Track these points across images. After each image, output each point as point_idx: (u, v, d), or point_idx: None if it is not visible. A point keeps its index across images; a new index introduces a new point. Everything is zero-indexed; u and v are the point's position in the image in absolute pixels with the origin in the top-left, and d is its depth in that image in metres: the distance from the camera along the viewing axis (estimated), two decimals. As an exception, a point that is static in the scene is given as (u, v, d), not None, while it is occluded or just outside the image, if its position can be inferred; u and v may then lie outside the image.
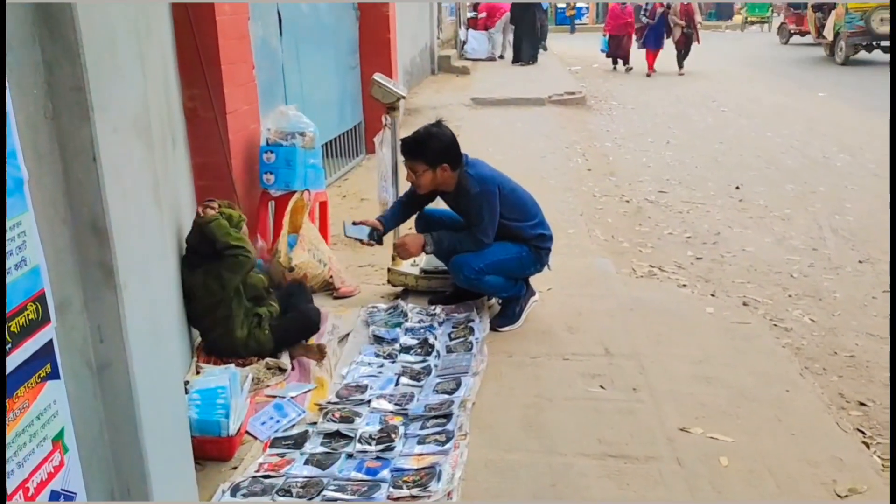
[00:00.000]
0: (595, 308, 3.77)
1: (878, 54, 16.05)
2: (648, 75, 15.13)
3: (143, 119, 1.72)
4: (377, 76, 4.01)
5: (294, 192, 4.04)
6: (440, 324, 3.56)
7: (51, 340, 1.40)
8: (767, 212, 5.93)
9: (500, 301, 3.68)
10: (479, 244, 3.46)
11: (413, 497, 2.30)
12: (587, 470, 2.47)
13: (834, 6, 16.21)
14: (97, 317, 1.56)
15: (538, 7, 16.76)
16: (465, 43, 17.39)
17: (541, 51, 17.21)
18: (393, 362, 3.25)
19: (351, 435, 2.65)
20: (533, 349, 3.35)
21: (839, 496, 2.35)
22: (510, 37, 17.86)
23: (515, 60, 16.33)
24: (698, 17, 15.43)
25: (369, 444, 2.59)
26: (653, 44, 15.24)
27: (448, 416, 2.73)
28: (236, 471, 2.50)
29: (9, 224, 1.27)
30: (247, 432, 2.71)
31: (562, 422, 2.77)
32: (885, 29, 14.76)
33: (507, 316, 3.59)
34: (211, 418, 2.54)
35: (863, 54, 15.96)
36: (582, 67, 16.67)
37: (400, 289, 4.03)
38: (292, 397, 2.93)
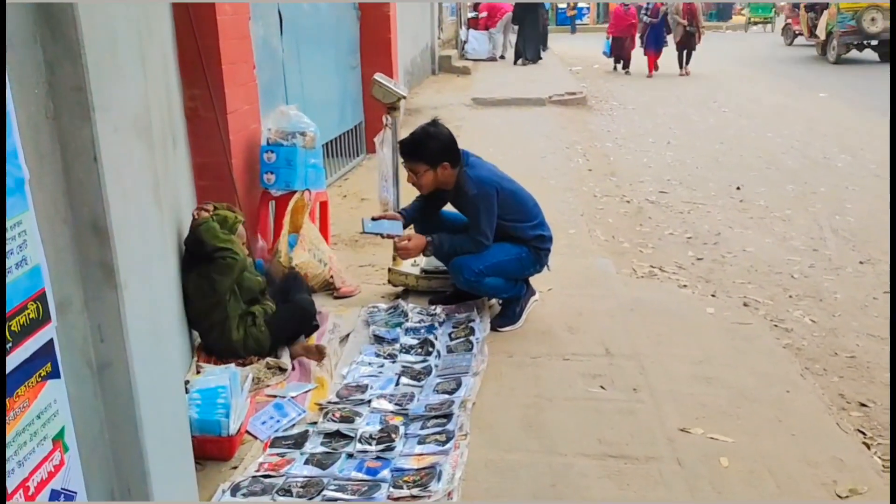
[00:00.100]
0: (595, 308, 3.77)
1: (868, 53, 16.29)
2: (649, 76, 15.09)
3: (144, 119, 1.72)
4: (378, 76, 4.01)
5: (295, 191, 4.04)
6: (440, 324, 3.56)
7: (51, 340, 1.40)
8: (768, 212, 5.93)
9: (501, 301, 3.68)
10: (478, 246, 3.46)
11: (413, 497, 2.30)
12: (587, 470, 2.47)
13: (826, 6, 16.49)
14: (97, 316, 1.56)
15: (541, 7, 16.78)
16: (465, 43, 17.39)
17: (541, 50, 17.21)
18: (393, 362, 3.25)
19: (351, 435, 2.65)
20: (533, 349, 3.35)
21: (839, 497, 2.35)
22: (511, 37, 17.87)
23: (518, 59, 16.35)
24: (701, 18, 15.31)
25: (369, 443, 2.59)
26: (653, 45, 15.18)
27: (448, 416, 2.73)
28: (236, 470, 2.50)
29: (10, 223, 1.28)
30: (247, 432, 2.71)
31: (562, 422, 2.77)
32: (876, 28, 15.15)
33: (507, 316, 3.59)
34: (211, 418, 2.54)
35: (854, 53, 16.28)
36: (583, 68, 16.67)
37: (400, 289, 4.03)
38: (292, 397, 2.93)
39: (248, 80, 4.15)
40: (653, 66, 15.30)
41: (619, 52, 15.86)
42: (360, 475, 2.43)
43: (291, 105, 4.42)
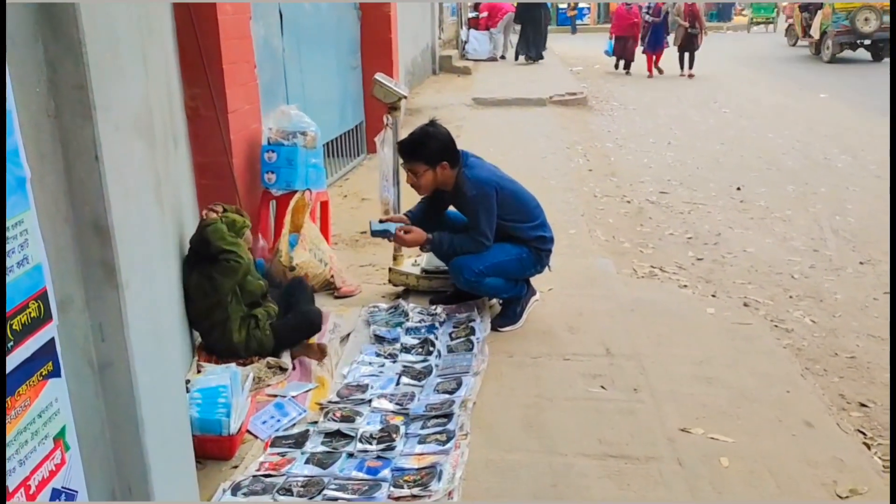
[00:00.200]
0: (596, 308, 3.77)
1: (861, 53, 16.55)
2: (649, 76, 15.05)
3: (145, 118, 1.72)
4: (379, 76, 4.01)
5: (295, 191, 4.04)
6: (441, 323, 3.56)
7: (52, 339, 1.40)
8: (768, 213, 5.93)
9: (501, 301, 3.68)
10: (478, 246, 3.46)
11: (414, 496, 2.30)
12: (588, 470, 2.48)
13: (820, 6, 16.79)
14: (99, 315, 1.56)
15: (544, 6, 16.79)
16: (466, 43, 17.38)
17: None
18: (394, 362, 3.25)
19: (352, 434, 2.66)
20: (534, 349, 3.35)
21: (840, 497, 2.35)
22: (512, 37, 17.88)
23: (519, 56, 16.36)
24: (703, 19, 15.22)
25: (370, 443, 2.60)
26: (652, 45, 15.13)
27: (449, 416, 2.73)
28: (237, 470, 2.50)
29: (11, 222, 1.28)
30: (248, 431, 2.71)
31: (562, 422, 2.77)
32: (869, 28, 15.54)
33: (507, 316, 3.59)
34: (212, 417, 2.54)
35: (847, 53, 16.57)
36: (583, 68, 16.67)
37: (401, 288, 4.04)
38: (293, 396, 2.93)
39: (249, 79, 4.16)
40: (651, 66, 15.25)
41: (621, 52, 15.79)
42: (361, 475, 2.43)
43: (292, 105, 4.42)
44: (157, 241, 1.78)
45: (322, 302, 3.78)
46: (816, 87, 12.82)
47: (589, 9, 32.95)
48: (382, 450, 2.56)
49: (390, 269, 4.08)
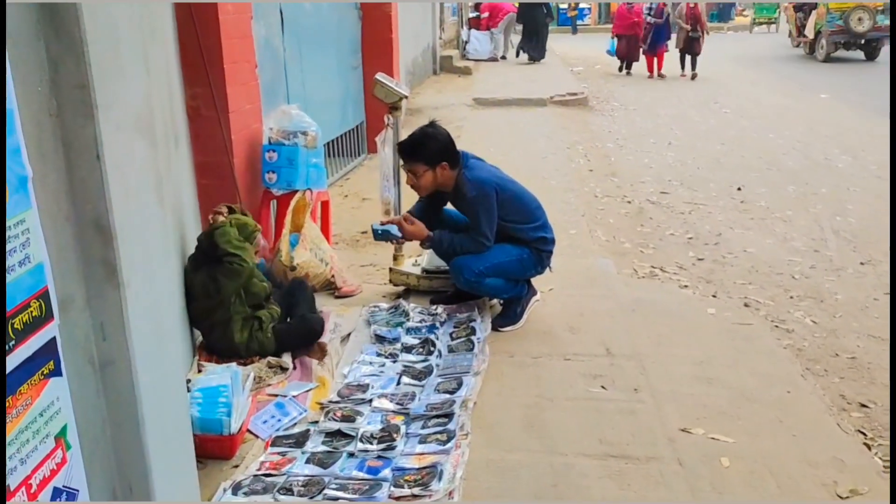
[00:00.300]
0: (596, 308, 3.78)
1: (855, 52, 16.90)
2: (661, 76, 14.89)
3: (147, 117, 1.72)
4: (380, 76, 4.01)
5: (296, 191, 4.04)
6: (442, 323, 3.56)
7: (54, 338, 1.40)
8: (769, 213, 5.94)
9: (502, 301, 3.68)
10: (478, 246, 3.46)
11: (414, 496, 2.30)
12: (588, 470, 2.48)
13: (814, 6, 17.11)
14: (100, 314, 1.56)
15: (547, 6, 16.80)
16: (467, 43, 17.38)
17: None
18: (394, 362, 3.25)
19: (352, 434, 2.66)
20: (534, 349, 3.35)
21: (840, 497, 2.35)
22: (513, 37, 17.87)
23: (519, 53, 16.36)
24: (705, 21, 15.08)
25: (371, 443, 2.60)
26: (653, 47, 15.02)
27: (449, 416, 2.73)
28: (238, 469, 2.51)
29: (13, 221, 1.28)
30: (248, 431, 2.71)
31: (563, 422, 2.77)
32: (863, 28, 15.91)
33: (508, 316, 3.59)
34: (213, 417, 2.54)
35: (841, 52, 16.87)
36: (584, 68, 16.66)
37: (401, 288, 4.04)
38: (294, 396, 2.93)
39: (250, 79, 4.16)
40: (651, 67, 15.17)
41: (625, 52, 15.62)
42: (361, 474, 2.43)
43: (293, 104, 4.42)
44: (158, 241, 1.78)
45: (323, 301, 3.79)
46: (817, 88, 12.82)
47: (590, 9, 32.92)
48: (383, 449, 2.56)
49: (391, 269, 4.08)
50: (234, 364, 2.97)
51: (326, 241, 4.20)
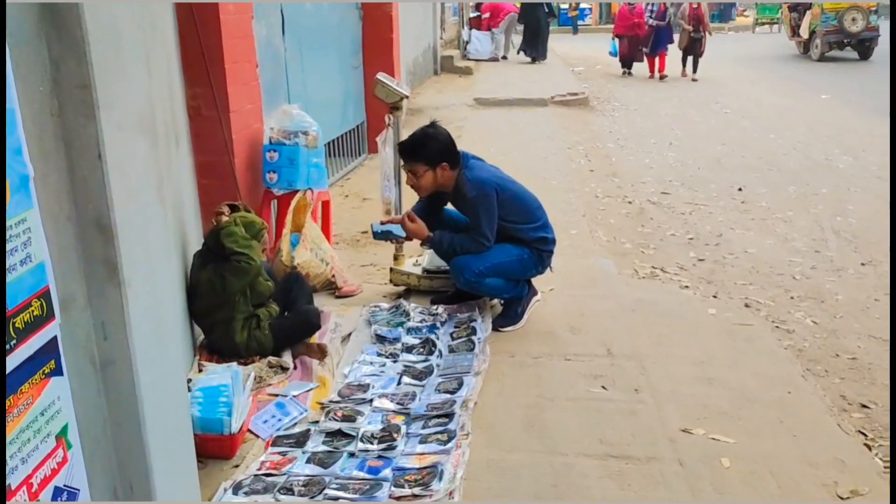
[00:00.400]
0: (597, 309, 3.78)
1: (848, 52, 17.23)
2: (662, 77, 14.74)
3: (148, 117, 1.72)
4: (381, 76, 4.02)
5: (297, 191, 4.05)
6: (442, 323, 3.57)
7: (55, 337, 1.40)
8: (770, 213, 5.93)
9: (503, 301, 3.69)
10: (479, 246, 3.46)
11: (415, 496, 2.30)
12: (588, 470, 2.48)
13: (809, 7, 17.43)
14: (101, 314, 1.56)
15: (548, 6, 16.79)
16: (468, 43, 17.38)
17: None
18: (395, 362, 3.25)
19: (353, 434, 2.66)
20: (535, 349, 3.36)
21: (840, 498, 2.35)
22: (514, 37, 17.86)
23: (520, 51, 16.37)
24: (708, 22, 14.93)
25: (371, 443, 2.60)
26: (654, 49, 14.90)
27: (450, 416, 2.73)
28: (238, 469, 2.51)
29: (14, 220, 1.28)
30: (249, 430, 2.71)
31: (563, 422, 2.77)
32: (857, 28, 16.28)
33: (509, 316, 3.60)
34: (213, 416, 2.55)
35: (835, 52, 17.22)
36: (585, 68, 16.65)
37: (402, 288, 4.04)
38: (294, 396, 2.93)
39: (251, 79, 4.16)
40: (652, 68, 15.08)
41: (626, 53, 15.48)
42: (362, 474, 2.43)
43: (294, 104, 4.43)
44: (159, 240, 1.78)
45: (323, 301, 3.79)
46: (818, 88, 12.81)
47: (591, 9, 32.90)
48: (383, 449, 2.56)
49: (391, 269, 4.08)
50: (234, 364, 2.97)
51: (327, 241, 4.20)
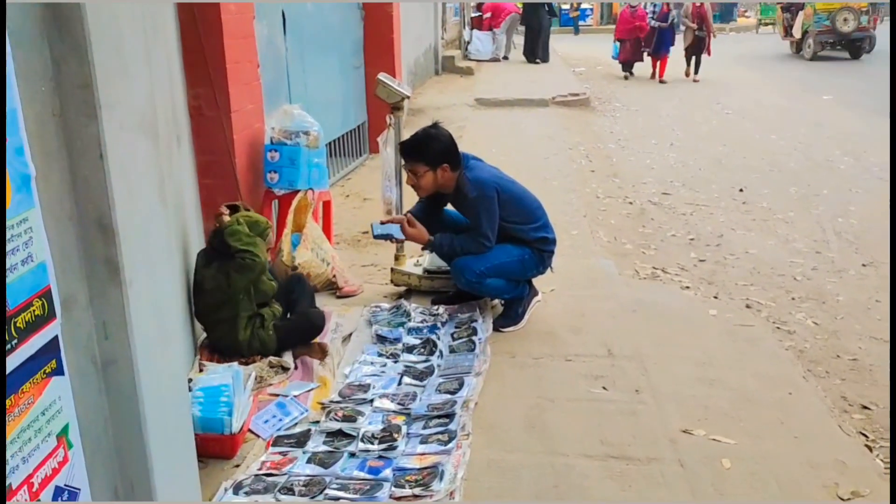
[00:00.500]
0: (598, 309, 3.77)
1: (839, 51, 17.73)
2: (662, 81, 14.62)
3: (149, 117, 1.72)
4: (382, 76, 4.02)
5: (298, 191, 4.05)
6: (443, 324, 3.56)
7: (56, 336, 1.40)
8: (771, 214, 5.93)
9: (503, 301, 3.68)
10: (479, 247, 3.46)
11: (415, 496, 2.30)
12: (589, 471, 2.48)
13: (802, 7, 17.86)
14: (102, 313, 1.56)
15: (549, 6, 16.79)
16: (469, 43, 17.37)
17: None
18: (396, 362, 3.25)
19: (353, 434, 2.66)
20: (536, 350, 3.35)
21: (841, 499, 2.35)
22: (515, 38, 17.86)
23: (528, 59, 16.38)
24: (711, 21, 14.84)
25: (372, 443, 2.60)
26: (657, 50, 14.80)
27: (450, 416, 2.73)
28: (239, 469, 2.51)
29: (16, 220, 1.28)
30: (249, 430, 2.71)
31: (564, 422, 2.77)
32: (848, 28, 16.80)
33: (509, 316, 3.59)
34: (214, 416, 2.55)
35: (827, 51, 17.68)
36: (586, 69, 16.65)
37: (403, 288, 4.04)
38: (295, 396, 2.93)
39: (252, 79, 4.16)
40: (662, 70, 14.93)
41: (628, 57, 15.41)
42: (362, 474, 2.43)
43: (295, 104, 4.42)
44: (160, 240, 1.78)
45: (324, 301, 3.79)
46: (819, 89, 12.80)
47: (592, 10, 32.88)
48: (384, 449, 2.56)
49: (392, 269, 4.08)
50: (235, 364, 2.97)
51: (328, 241, 4.20)
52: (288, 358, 3.21)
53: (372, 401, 2.89)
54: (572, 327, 3.57)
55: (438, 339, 3.41)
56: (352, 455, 2.55)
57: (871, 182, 6.87)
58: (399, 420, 2.76)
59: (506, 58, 17.29)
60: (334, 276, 4.00)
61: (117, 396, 1.62)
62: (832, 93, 12.26)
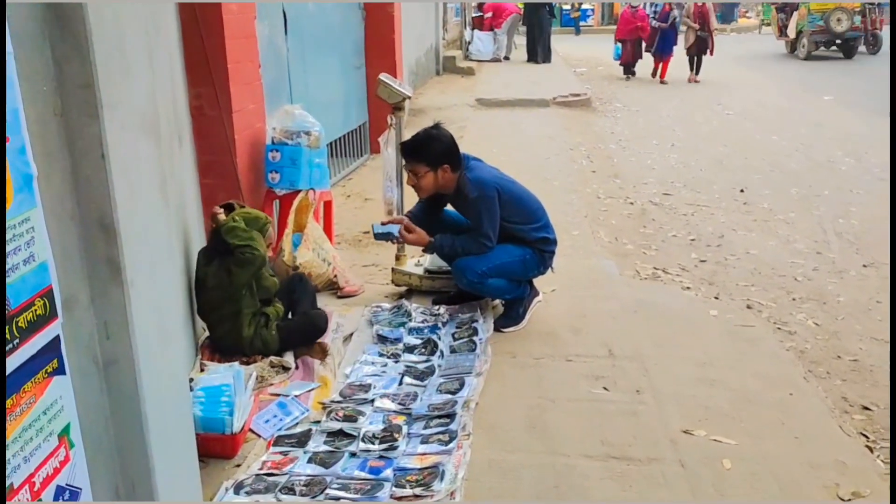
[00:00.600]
0: (599, 309, 3.78)
1: (834, 51, 18.00)
2: (663, 82, 14.55)
3: (151, 117, 1.73)
4: (383, 76, 4.02)
5: (299, 191, 4.05)
6: (444, 324, 3.57)
7: (58, 336, 1.41)
8: (772, 215, 5.93)
9: (504, 302, 3.68)
10: (480, 247, 3.46)
11: (416, 496, 2.31)
12: (590, 471, 2.48)
13: (796, 7, 18.18)
14: (104, 313, 1.57)
15: (550, 6, 16.79)
16: (470, 43, 17.38)
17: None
18: (396, 362, 3.25)
19: (354, 434, 2.66)
20: (536, 350, 3.36)
21: (842, 500, 2.35)
22: (516, 38, 17.86)
23: (530, 59, 16.40)
24: (714, 22, 14.73)
25: (372, 443, 2.60)
26: (661, 51, 14.73)
27: (451, 416, 2.73)
28: (240, 468, 2.51)
29: (18, 220, 1.28)
30: (250, 430, 2.71)
31: (565, 423, 2.77)
32: (842, 28, 17.10)
33: (510, 317, 3.60)
34: (215, 416, 2.55)
35: (821, 50, 17.99)
36: (587, 69, 16.65)
37: (404, 288, 4.04)
38: (296, 396, 2.94)
39: (254, 79, 4.16)
40: (665, 71, 14.84)
41: (628, 58, 15.36)
42: (363, 474, 2.44)
43: (296, 104, 4.43)
44: (162, 240, 1.78)
45: (325, 301, 3.79)
46: (820, 90, 12.80)
47: (592, 10, 32.86)
48: (385, 449, 2.56)
49: (393, 269, 4.08)
50: (236, 363, 2.98)
51: (329, 241, 4.20)
52: (289, 358, 3.21)
53: (373, 401, 2.90)
54: (573, 328, 3.57)
55: (439, 339, 3.41)
56: (352, 455, 2.55)
57: (872, 183, 6.86)
58: (400, 420, 2.76)
59: (507, 58, 17.29)
60: (335, 276, 4.01)
61: (118, 396, 1.62)
62: (833, 93, 12.26)
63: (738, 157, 8.06)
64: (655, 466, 2.50)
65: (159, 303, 1.73)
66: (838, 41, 17.56)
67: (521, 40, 17.76)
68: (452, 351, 3.32)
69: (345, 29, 6.67)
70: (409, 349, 3.35)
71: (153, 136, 1.73)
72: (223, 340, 3.17)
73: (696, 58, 14.51)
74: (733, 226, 5.66)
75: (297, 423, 2.78)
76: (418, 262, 4.13)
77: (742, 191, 6.62)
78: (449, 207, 3.73)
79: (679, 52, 14.77)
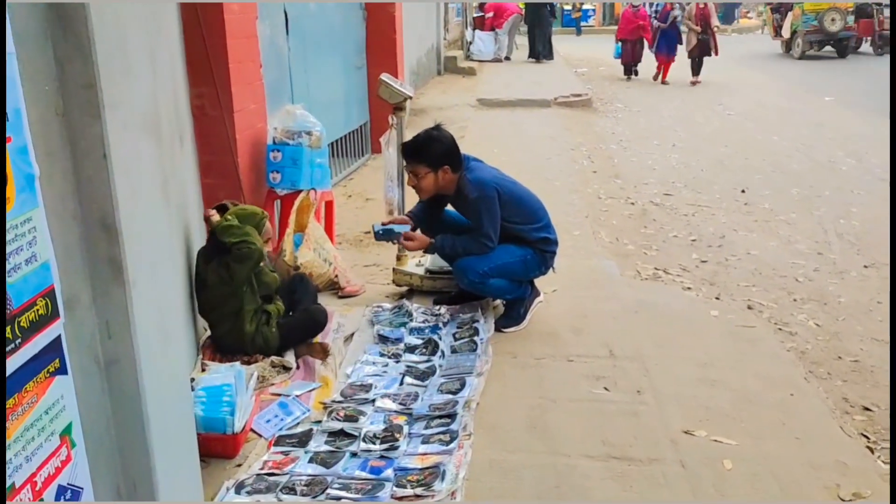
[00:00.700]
0: (600, 310, 3.78)
1: (827, 50, 18.32)
2: (665, 83, 14.46)
3: (153, 117, 1.73)
4: (384, 76, 4.02)
5: (300, 191, 4.05)
6: (445, 324, 3.57)
7: (59, 336, 1.41)
8: (773, 215, 5.93)
9: (505, 302, 3.69)
10: (481, 248, 3.46)
11: (417, 496, 2.31)
12: (591, 471, 2.48)
13: (790, 8, 18.48)
14: (105, 313, 1.57)
15: (551, 6, 16.79)
16: (471, 44, 17.37)
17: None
18: (397, 362, 3.25)
19: (355, 434, 2.66)
20: (537, 350, 3.36)
21: (842, 500, 2.35)
22: (517, 38, 17.86)
23: (531, 56, 16.40)
24: (715, 22, 14.64)
25: (373, 443, 2.60)
26: (664, 51, 14.68)
27: (452, 416, 2.73)
28: (241, 468, 2.51)
29: (20, 220, 1.28)
30: (251, 430, 2.72)
31: (566, 423, 2.77)
32: (835, 28, 17.36)
33: (511, 317, 3.60)
34: (216, 416, 2.55)
35: (814, 50, 18.31)
36: (588, 70, 16.64)
37: (405, 289, 4.04)
38: (297, 396, 2.94)
39: (255, 79, 4.17)
40: (666, 72, 14.80)
41: (629, 58, 15.30)
42: (364, 474, 2.44)
43: (297, 104, 4.43)
44: (163, 240, 1.79)
45: (326, 301, 3.79)
46: (821, 90, 12.79)
47: (594, 10, 32.84)
48: (386, 449, 2.56)
49: (394, 269, 4.08)
50: (237, 363, 2.98)
51: (330, 241, 4.21)
52: (290, 358, 3.21)
53: (374, 401, 2.90)
54: (574, 328, 3.58)
55: (440, 339, 3.41)
56: (353, 455, 2.56)
57: (873, 183, 6.86)
58: (401, 420, 2.76)
59: (508, 58, 17.28)
60: (336, 276, 4.01)
61: (120, 396, 1.62)
62: (834, 94, 12.25)
63: (739, 157, 8.05)
64: (656, 467, 2.50)
65: (160, 302, 1.73)
66: (832, 41, 17.80)
67: (522, 40, 17.75)
68: (453, 351, 3.33)
69: (346, 29, 6.68)
70: (410, 349, 3.36)
71: (155, 135, 1.73)
72: (224, 339, 3.18)
73: (697, 60, 14.46)
74: (734, 226, 5.65)
75: (298, 423, 2.78)
76: (419, 262, 4.13)
77: (743, 191, 6.62)
78: (450, 208, 3.73)
79: (681, 55, 14.71)
